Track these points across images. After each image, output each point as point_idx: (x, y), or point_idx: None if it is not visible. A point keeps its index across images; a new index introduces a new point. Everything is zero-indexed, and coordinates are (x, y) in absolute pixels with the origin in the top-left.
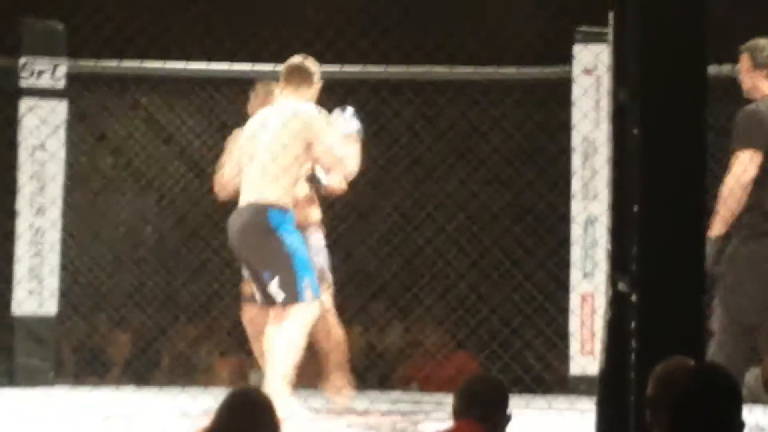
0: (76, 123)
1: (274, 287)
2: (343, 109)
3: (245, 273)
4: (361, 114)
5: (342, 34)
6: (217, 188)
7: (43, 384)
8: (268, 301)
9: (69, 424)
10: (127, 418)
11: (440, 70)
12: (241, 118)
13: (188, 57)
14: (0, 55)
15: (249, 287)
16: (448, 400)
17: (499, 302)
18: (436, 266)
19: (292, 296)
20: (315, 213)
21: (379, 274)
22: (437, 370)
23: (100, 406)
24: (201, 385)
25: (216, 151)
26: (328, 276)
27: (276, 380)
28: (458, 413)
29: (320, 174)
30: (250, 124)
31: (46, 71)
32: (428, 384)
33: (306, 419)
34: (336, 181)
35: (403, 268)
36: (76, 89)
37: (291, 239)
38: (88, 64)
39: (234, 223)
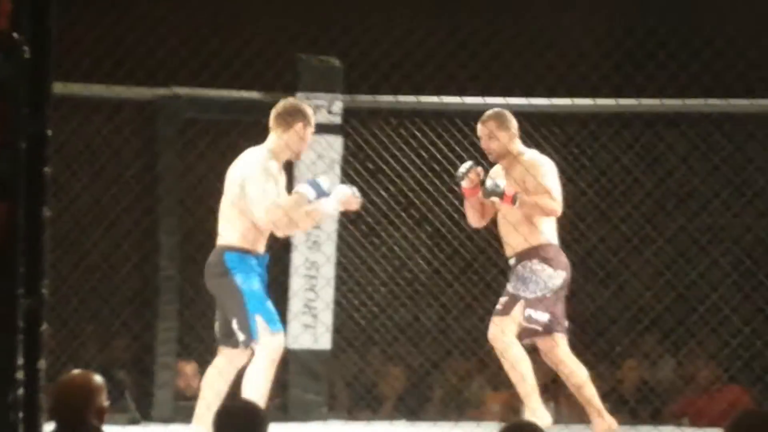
0: (351, 158)
1: (235, 328)
2: (312, 178)
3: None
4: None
5: (618, 68)
6: None
7: (317, 418)
8: (233, 342)
9: None
10: None
11: (716, 103)
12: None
13: (463, 92)
14: (278, 92)
15: None
16: None
17: None
18: (709, 300)
19: (248, 336)
20: (522, 240)
21: (652, 307)
22: (709, 404)
23: None
24: (472, 419)
25: None
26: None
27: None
28: None
29: (495, 184)
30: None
31: (322, 107)
32: (700, 418)
33: None
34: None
35: (675, 302)
36: (353, 125)
37: (245, 281)
38: (364, 100)
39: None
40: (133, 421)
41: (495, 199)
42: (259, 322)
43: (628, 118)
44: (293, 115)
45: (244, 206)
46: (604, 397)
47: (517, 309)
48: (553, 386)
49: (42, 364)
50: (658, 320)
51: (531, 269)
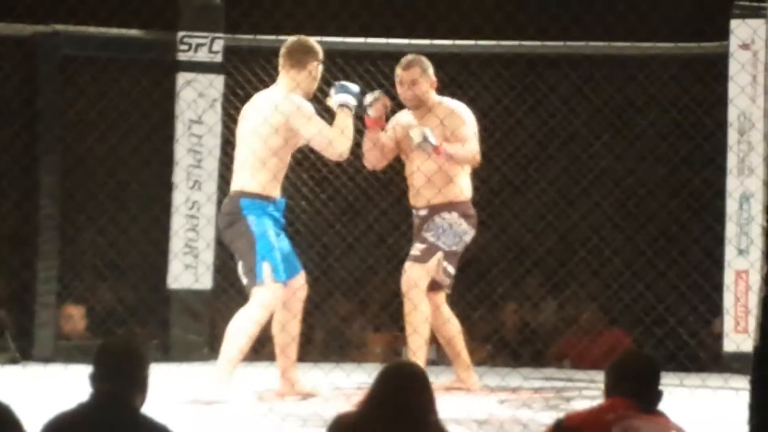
0: (232, 97)
1: (240, 272)
2: (338, 85)
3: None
4: (357, 87)
5: (499, 8)
6: None
7: (198, 359)
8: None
9: (222, 399)
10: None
11: (597, 45)
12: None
13: (344, 32)
14: (158, 29)
15: None
16: (600, 377)
17: (654, 279)
18: (591, 242)
19: (252, 280)
20: (438, 193)
21: (534, 249)
22: (590, 347)
23: (254, 381)
24: (354, 360)
25: None
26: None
27: (221, 362)
28: (610, 390)
29: (424, 135)
30: (244, 111)
31: (203, 45)
32: (581, 361)
33: (241, 403)
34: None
35: (557, 244)
36: (234, 63)
37: (258, 224)
38: (245, 38)
39: (220, 211)
40: (13, 361)
41: (426, 149)
42: (265, 268)
43: (510, 58)
44: (307, 54)
45: (265, 152)
46: (486, 339)
47: (435, 259)
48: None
49: None
50: (539, 262)
51: (450, 222)
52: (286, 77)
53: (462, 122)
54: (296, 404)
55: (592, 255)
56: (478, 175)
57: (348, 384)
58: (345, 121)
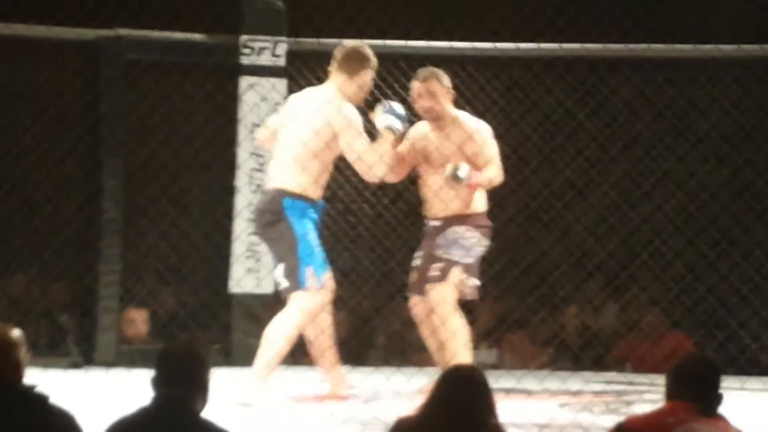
0: None
1: (280, 275)
2: (387, 105)
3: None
4: (404, 111)
5: (562, 12)
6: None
7: None
8: (278, 289)
9: (283, 404)
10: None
11: (659, 48)
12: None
13: (407, 35)
14: (222, 33)
15: (413, 276)
16: (661, 380)
17: (715, 282)
18: (653, 245)
19: (294, 284)
20: (450, 206)
21: (596, 253)
22: (652, 350)
23: (314, 385)
24: (415, 364)
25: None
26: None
27: (258, 365)
28: (671, 393)
29: (461, 171)
30: (290, 105)
31: (266, 49)
32: (642, 364)
33: (278, 407)
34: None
35: (619, 248)
36: (297, 67)
37: (300, 225)
38: (308, 42)
39: (257, 207)
40: (75, 365)
41: (459, 179)
42: (309, 273)
43: (571, 61)
44: (362, 61)
45: (326, 156)
46: (547, 342)
47: (454, 274)
48: (495, 332)
49: None
50: (601, 266)
51: (460, 235)
52: (337, 81)
53: (484, 141)
54: (357, 408)
55: (654, 258)
56: (540, 178)
57: (409, 388)
58: (387, 146)
